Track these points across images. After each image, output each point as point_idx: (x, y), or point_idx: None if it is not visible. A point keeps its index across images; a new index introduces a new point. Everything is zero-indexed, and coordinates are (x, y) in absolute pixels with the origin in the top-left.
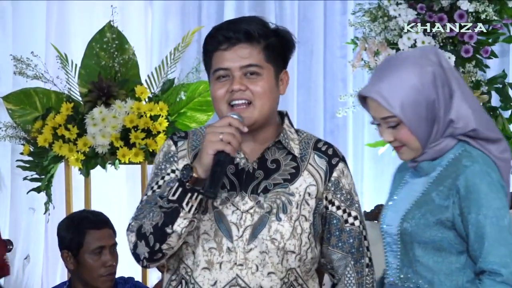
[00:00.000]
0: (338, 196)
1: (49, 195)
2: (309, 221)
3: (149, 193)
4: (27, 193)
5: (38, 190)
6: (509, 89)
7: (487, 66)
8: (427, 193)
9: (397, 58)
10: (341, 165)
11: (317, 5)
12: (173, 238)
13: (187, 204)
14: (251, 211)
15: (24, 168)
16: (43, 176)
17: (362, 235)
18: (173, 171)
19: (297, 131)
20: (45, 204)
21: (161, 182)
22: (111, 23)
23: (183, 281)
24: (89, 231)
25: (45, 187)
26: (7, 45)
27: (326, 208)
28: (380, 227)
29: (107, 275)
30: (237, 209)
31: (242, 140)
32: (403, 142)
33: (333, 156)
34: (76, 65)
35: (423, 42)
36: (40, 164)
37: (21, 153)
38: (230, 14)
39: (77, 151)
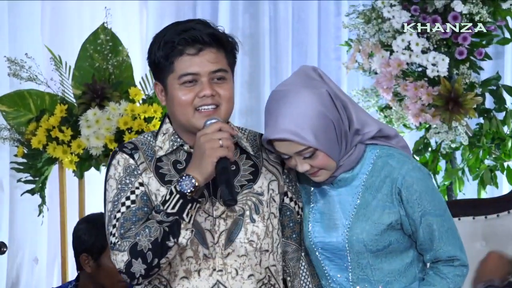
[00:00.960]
0: (291, 188)
1: (43, 197)
2: (277, 217)
3: (123, 209)
4: (21, 195)
5: (32, 192)
6: (503, 91)
7: (481, 68)
8: (366, 203)
9: (284, 92)
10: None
11: (311, 7)
12: (173, 251)
13: (187, 215)
14: (224, 215)
15: (18, 170)
16: (37, 178)
17: None
18: (140, 185)
19: (240, 129)
20: (39, 206)
21: (133, 197)
22: (105, 25)
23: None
24: None
25: (39, 189)
26: (2, 46)
27: (282, 200)
28: (307, 241)
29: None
30: (209, 215)
31: (188, 126)
32: (321, 167)
33: (271, 152)
34: (70, 66)
35: (417, 44)
36: (34, 166)
37: (15, 155)
38: (224, 15)
39: (71, 153)
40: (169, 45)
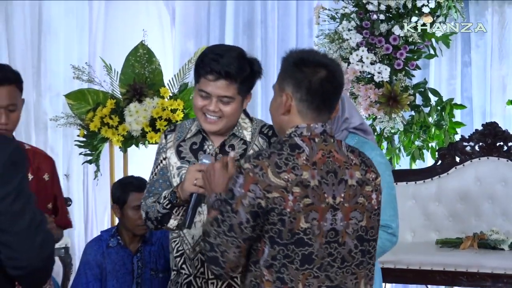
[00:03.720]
0: None
1: (97, 166)
2: None
3: (151, 177)
4: (82, 164)
5: (89, 162)
6: (429, 92)
7: (413, 76)
8: None
9: None
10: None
11: (291, 30)
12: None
13: (175, 212)
14: None
15: (80, 146)
16: (93, 152)
17: None
18: (163, 159)
19: (251, 119)
20: (95, 172)
21: (156, 170)
22: (143, 42)
23: (179, 238)
24: (132, 193)
25: (95, 160)
26: (70, 57)
27: None
28: None
29: (143, 225)
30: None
31: (212, 134)
32: None
33: (271, 136)
34: (117, 72)
35: (367, 58)
36: (91, 143)
37: (78, 135)
38: (229, 35)
39: (118, 134)
40: (200, 66)
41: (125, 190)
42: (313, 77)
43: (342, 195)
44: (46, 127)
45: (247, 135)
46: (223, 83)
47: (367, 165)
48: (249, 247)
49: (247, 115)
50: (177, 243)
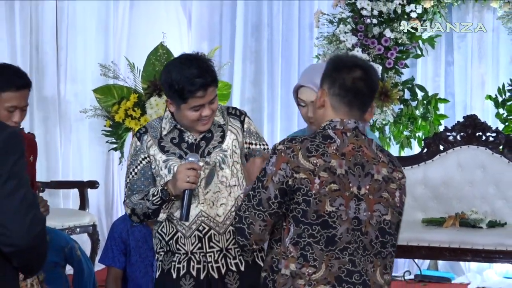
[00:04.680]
0: (252, 138)
1: (122, 153)
2: (239, 163)
3: (130, 177)
4: (108, 151)
5: (115, 149)
6: (416, 88)
7: (402, 73)
8: None
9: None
10: (247, 119)
11: (294, 33)
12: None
13: (165, 207)
14: (202, 168)
15: (106, 135)
16: (118, 140)
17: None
18: (142, 159)
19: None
20: (120, 158)
21: (137, 170)
22: (162, 43)
23: (167, 220)
24: None
25: (120, 147)
26: (98, 56)
27: (248, 148)
28: None
29: None
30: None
31: (190, 127)
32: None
33: (240, 115)
34: (140, 70)
35: (361, 57)
36: (116, 133)
37: (104, 126)
38: (239, 37)
39: (140, 125)
40: (184, 91)
41: None
42: (347, 75)
43: (367, 187)
44: (77, 119)
45: (220, 120)
46: (210, 89)
47: (394, 164)
48: (274, 224)
49: None
50: (167, 228)
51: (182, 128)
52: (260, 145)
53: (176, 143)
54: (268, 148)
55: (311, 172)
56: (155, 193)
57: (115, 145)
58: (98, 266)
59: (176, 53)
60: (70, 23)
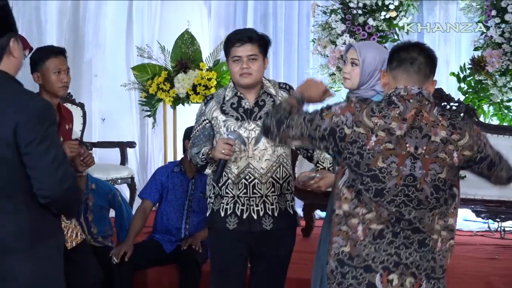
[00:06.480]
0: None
1: (155, 119)
2: None
3: (194, 132)
4: (144, 117)
5: (149, 116)
6: None
7: None
8: None
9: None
10: (291, 90)
11: (294, 21)
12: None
13: (210, 165)
14: (254, 129)
15: (142, 104)
16: (151, 109)
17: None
18: (204, 120)
19: (269, 80)
20: (153, 123)
21: (199, 128)
22: (187, 30)
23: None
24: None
25: (153, 114)
26: (137, 40)
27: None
28: None
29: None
30: (246, 129)
31: (247, 91)
32: (353, 77)
33: (289, 89)
34: (169, 51)
35: (349, 41)
36: (150, 102)
37: (141, 97)
38: (250, 25)
39: (170, 96)
40: (229, 41)
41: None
42: (403, 51)
43: (424, 147)
44: (114, 91)
45: (273, 91)
46: (248, 46)
47: (454, 127)
48: (304, 145)
49: (266, 78)
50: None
51: (241, 96)
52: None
53: (234, 108)
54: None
55: (370, 130)
56: (204, 153)
57: (149, 113)
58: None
59: (198, 38)
60: (110, 13)
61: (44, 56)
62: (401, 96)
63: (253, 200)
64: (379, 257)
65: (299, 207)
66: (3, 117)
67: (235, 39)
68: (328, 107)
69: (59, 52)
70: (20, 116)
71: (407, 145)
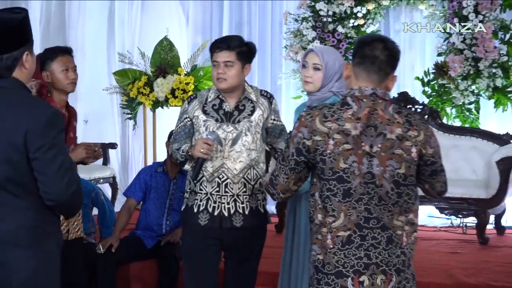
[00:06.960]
0: (275, 115)
1: (135, 121)
2: (260, 133)
3: (176, 128)
4: (124, 120)
5: (130, 118)
6: None
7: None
8: None
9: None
10: (274, 100)
11: (267, 28)
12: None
13: (189, 161)
14: (232, 131)
15: (123, 107)
16: (132, 112)
17: (284, 127)
18: (185, 118)
19: (251, 86)
20: (133, 125)
21: (181, 124)
22: (166, 36)
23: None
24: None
25: (133, 117)
26: (118, 46)
27: (272, 123)
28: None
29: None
30: (224, 131)
31: (228, 95)
32: (315, 81)
33: (270, 97)
34: (149, 57)
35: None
36: (131, 106)
37: (122, 100)
38: (225, 32)
39: (149, 100)
40: (211, 47)
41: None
42: (367, 47)
43: (379, 145)
44: (97, 95)
45: (253, 97)
46: (226, 52)
47: (411, 124)
48: (296, 178)
49: (249, 84)
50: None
51: (223, 99)
52: (279, 121)
53: (215, 109)
54: (282, 124)
55: (326, 135)
56: (184, 150)
57: (129, 115)
58: (117, 209)
59: (177, 45)
60: (92, 20)
61: (52, 55)
62: (355, 96)
63: (224, 198)
64: (349, 262)
65: (272, 205)
66: (15, 123)
67: (215, 45)
68: (290, 135)
69: (66, 51)
70: (31, 123)
71: (363, 144)
